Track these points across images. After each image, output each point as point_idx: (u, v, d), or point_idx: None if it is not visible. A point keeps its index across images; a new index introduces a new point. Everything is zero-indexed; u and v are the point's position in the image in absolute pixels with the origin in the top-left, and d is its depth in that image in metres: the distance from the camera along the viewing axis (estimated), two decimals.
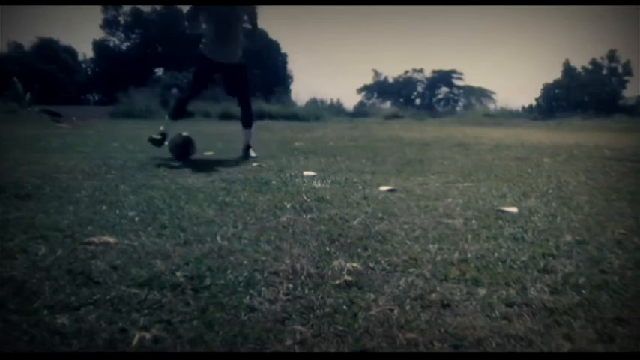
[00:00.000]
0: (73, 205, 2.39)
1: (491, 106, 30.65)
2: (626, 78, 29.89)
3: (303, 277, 1.50)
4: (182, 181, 3.18)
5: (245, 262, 1.62)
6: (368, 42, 78.38)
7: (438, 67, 45.46)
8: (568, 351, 1.11)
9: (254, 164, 4.15)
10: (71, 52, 38.32)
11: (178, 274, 1.49)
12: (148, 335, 1.13)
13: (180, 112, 4.90)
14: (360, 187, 3.07)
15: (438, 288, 1.43)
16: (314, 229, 2.05)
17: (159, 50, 39.21)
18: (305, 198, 2.66)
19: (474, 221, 2.22)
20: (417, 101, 43.96)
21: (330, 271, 1.55)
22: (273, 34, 40.26)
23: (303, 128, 10.88)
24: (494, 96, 38.83)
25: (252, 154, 4.79)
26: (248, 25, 4.78)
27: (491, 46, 77.25)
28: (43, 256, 1.63)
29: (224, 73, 4.85)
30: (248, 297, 1.35)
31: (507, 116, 20.81)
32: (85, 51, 41.46)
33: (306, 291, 1.40)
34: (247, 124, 4.99)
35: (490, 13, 79.19)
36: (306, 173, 3.60)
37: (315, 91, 42.05)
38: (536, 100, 29.67)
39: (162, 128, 4.84)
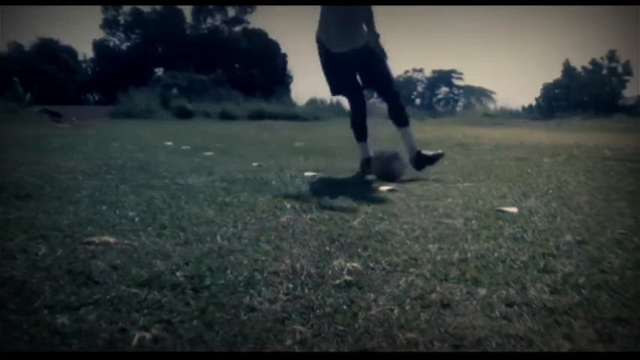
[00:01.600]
0: (73, 205, 2.39)
1: (491, 106, 30.65)
2: (626, 78, 29.87)
3: (303, 277, 1.50)
4: (182, 181, 3.18)
5: (245, 262, 1.62)
6: None
7: (438, 67, 45.52)
8: (568, 351, 1.11)
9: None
10: (71, 52, 38.31)
11: (178, 274, 1.49)
12: (147, 335, 1.13)
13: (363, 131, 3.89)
14: (360, 187, 3.07)
15: (437, 288, 1.43)
16: (314, 229, 2.05)
17: (159, 50, 39.20)
18: (305, 198, 2.66)
19: (473, 221, 2.22)
20: (417, 101, 43.97)
21: (330, 271, 1.55)
22: (273, 34, 40.29)
23: (303, 128, 10.88)
24: (494, 96, 38.86)
25: (428, 153, 3.82)
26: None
27: (492, 46, 77.29)
28: (43, 256, 1.63)
29: (352, 63, 3.73)
30: (248, 297, 1.35)
31: (507, 116, 20.81)
32: (85, 51, 41.39)
33: (306, 291, 1.40)
34: (401, 120, 3.83)
35: (490, 13, 79.19)
36: (306, 173, 3.60)
37: (315, 91, 42.03)
38: (536, 100, 29.64)
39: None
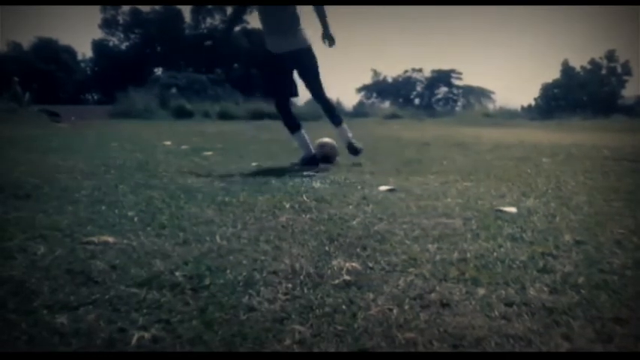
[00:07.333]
0: (72, 204, 2.39)
1: (491, 106, 30.60)
2: (625, 78, 29.97)
3: (302, 277, 1.50)
4: (181, 180, 3.18)
5: (244, 261, 1.62)
6: (367, 42, 78.52)
7: (437, 67, 45.51)
8: (567, 351, 1.11)
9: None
10: (70, 52, 38.36)
11: (177, 273, 1.49)
12: (146, 335, 1.13)
13: (290, 119, 4.30)
14: (360, 187, 3.07)
15: (437, 288, 1.43)
16: (313, 228, 2.05)
17: (158, 50, 39.21)
18: (304, 198, 2.66)
19: (473, 221, 2.22)
20: (417, 101, 43.95)
21: (329, 271, 1.55)
22: None
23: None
24: (493, 96, 38.76)
25: (358, 145, 4.38)
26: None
27: (491, 46, 77.40)
28: (42, 256, 1.63)
29: (289, 65, 4.16)
30: (247, 297, 1.35)
31: (506, 116, 20.79)
32: (84, 51, 41.53)
33: (305, 291, 1.40)
34: (335, 119, 4.34)
35: (490, 13, 79.33)
36: (305, 173, 3.60)
37: None
38: (535, 100, 29.72)
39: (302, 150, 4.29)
